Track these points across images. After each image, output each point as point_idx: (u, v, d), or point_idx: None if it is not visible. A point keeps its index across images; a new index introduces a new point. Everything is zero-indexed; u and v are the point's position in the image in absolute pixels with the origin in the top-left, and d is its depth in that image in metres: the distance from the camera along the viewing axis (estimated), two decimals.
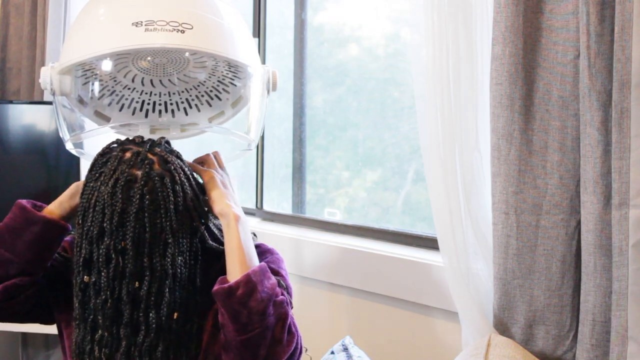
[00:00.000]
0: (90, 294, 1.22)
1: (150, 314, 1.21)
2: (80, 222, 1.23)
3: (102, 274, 1.21)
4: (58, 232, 1.28)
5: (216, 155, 1.35)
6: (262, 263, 1.24)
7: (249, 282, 1.18)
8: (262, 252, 1.37)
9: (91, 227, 1.21)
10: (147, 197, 1.20)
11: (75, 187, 1.32)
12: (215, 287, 1.20)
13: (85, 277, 1.22)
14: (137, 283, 1.20)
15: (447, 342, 1.72)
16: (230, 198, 1.27)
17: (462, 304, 1.49)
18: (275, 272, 1.33)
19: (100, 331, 1.23)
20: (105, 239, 1.21)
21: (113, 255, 1.20)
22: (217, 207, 1.25)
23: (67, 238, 1.39)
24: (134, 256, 1.20)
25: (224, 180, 1.30)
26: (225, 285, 1.18)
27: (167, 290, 1.21)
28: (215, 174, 1.29)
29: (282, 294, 1.25)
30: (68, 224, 1.30)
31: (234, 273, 1.20)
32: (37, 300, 1.32)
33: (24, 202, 1.29)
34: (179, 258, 1.22)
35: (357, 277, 1.91)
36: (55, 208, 1.30)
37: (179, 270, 1.23)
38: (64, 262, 1.35)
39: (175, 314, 1.22)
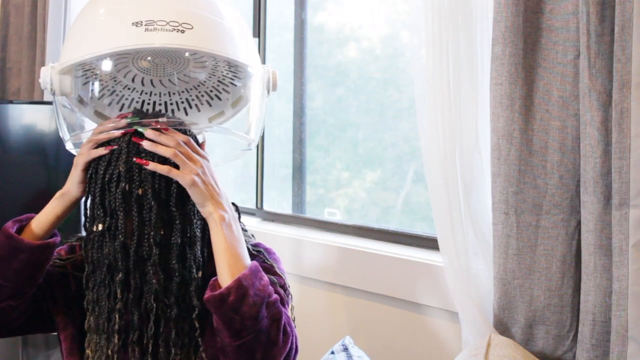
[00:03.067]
0: (105, 240, 1.23)
1: (177, 264, 1.23)
2: (93, 175, 1.24)
3: (120, 215, 1.21)
4: (47, 252, 1.27)
5: (184, 149, 1.23)
6: (253, 263, 1.22)
7: (240, 287, 1.16)
8: (259, 252, 1.37)
9: (105, 174, 1.22)
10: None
11: (61, 192, 1.31)
12: (207, 295, 1.18)
13: (99, 225, 1.23)
14: (162, 230, 1.22)
15: (447, 342, 1.72)
16: (212, 198, 1.23)
17: (462, 304, 1.49)
18: (273, 273, 1.33)
19: (121, 274, 1.24)
20: (122, 182, 1.21)
21: (130, 202, 1.21)
22: (203, 210, 1.23)
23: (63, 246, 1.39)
24: (155, 203, 1.21)
25: (205, 178, 1.23)
26: (217, 292, 1.17)
27: (189, 240, 1.23)
28: (195, 177, 1.21)
29: (276, 292, 1.24)
30: (57, 238, 1.29)
31: (224, 276, 1.19)
32: (34, 312, 1.32)
33: (9, 228, 1.26)
34: (198, 212, 1.24)
35: (357, 277, 1.91)
36: (44, 219, 1.29)
37: (199, 222, 1.25)
38: (58, 267, 1.35)
39: (200, 272, 1.24)
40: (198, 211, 1.25)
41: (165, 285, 1.24)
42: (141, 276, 1.24)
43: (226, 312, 1.16)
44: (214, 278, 1.22)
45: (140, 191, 1.22)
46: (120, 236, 1.22)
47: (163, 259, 1.24)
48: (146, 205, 1.22)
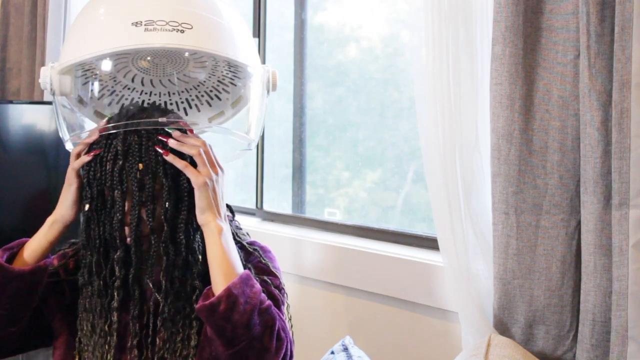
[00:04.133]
0: (100, 219, 1.24)
1: (180, 235, 1.24)
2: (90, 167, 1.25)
3: (116, 192, 1.22)
4: (39, 275, 1.27)
5: (207, 151, 1.26)
6: (245, 271, 1.22)
7: (230, 296, 1.16)
8: (255, 250, 1.37)
9: (104, 152, 1.24)
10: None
11: (53, 218, 1.31)
12: (198, 305, 1.19)
13: (86, 205, 1.24)
14: (167, 204, 1.23)
15: (447, 342, 1.72)
16: (215, 208, 1.25)
17: (462, 304, 1.49)
18: (268, 272, 1.33)
19: (119, 252, 1.25)
20: (119, 160, 1.22)
21: (126, 178, 1.22)
22: (201, 217, 1.24)
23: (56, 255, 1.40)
24: (152, 178, 1.22)
25: (216, 186, 1.25)
26: (207, 302, 1.17)
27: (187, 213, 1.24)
28: (208, 181, 1.23)
29: (270, 293, 1.25)
30: (47, 259, 1.29)
31: (219, 285, 1.20)
32: (33, 330, 1.32)
33: None
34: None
35: (357, 277, 1.91)
36: (36, 247, 1.28)
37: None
38: (51, 275, 1.34)
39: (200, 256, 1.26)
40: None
41: (174, 260, 1.25)
42: (139, 253, 1.25)
43: (217, 320, 1.16)
44: (208, 287, 1.23)
45: (140, 166, 1.23)
46: (118, 214, 1.23)
47: (171, 235, 1.25)
48: (148, 179, 1.23)
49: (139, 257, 1.25)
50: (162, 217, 1.24)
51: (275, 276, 1.33)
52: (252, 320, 1.17)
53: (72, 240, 1.41)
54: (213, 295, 1.19)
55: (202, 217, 1.24)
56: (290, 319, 1.33)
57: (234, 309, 1.16)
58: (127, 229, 1.24)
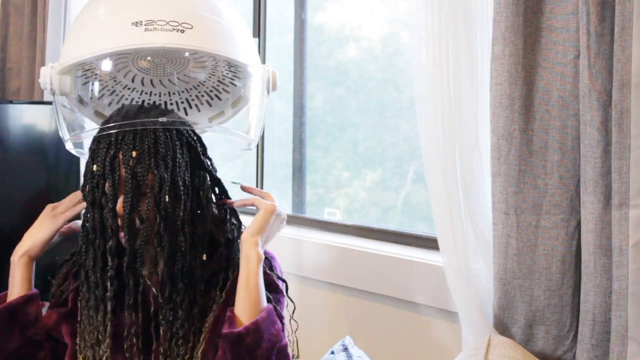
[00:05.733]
0: (95, 210, 1.25)
1: (179, 237, 1.25)
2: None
3: (108, 181, 1.23)
4: (32, 307, 1.31)
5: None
6: (269, 306, 1.25)
7: (258, 331, 1.19)
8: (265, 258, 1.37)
9: (100, 140, 1.25)
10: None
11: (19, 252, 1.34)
12: (225, 330, 1.21)
13: (86, 198, 1.26)
14: (166, 197, 1.24)
15: (447, 342, 1.72)
16: (265, 236, 1.30)
17: (462, 304, 1.49)
18: (273, 287, 1.34)
19: (111, 241, 1.26)
20: (111, 150, 1.23)
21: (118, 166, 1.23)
22: (249, 238, 1.27)
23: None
24: (144, 167, 1.23)
25: (280, 219, 1.33)
26: (235, 330, 1.19)
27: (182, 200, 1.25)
28: (279, 209, 1.32)
29: (285, 338, 1.28)
30: (32, 291, 1.32)
31: (244, 312, 1.22)
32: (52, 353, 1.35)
33: None
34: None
35: (357, 277, 1.91)
36: (17, 290, 1.33)
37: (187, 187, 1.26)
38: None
39: (204, 255, 1.28)
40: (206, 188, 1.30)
41: (171, 253, 1.25)
42: (132, 241, 1.25)
43: (241, 351, 1.19)
44: (230, 309, 1.24)
45: (134, 153, 1.23)
46: (109, 203, 1.23)
47: (169, 226, 1.25)
48: (140, 168, 1.23)
49: (132, 246, 1.25)
50: (155, 208, 1.23)
51: (279, 292, 1.35)
52: (270, 358, 1.20)
53: (73, 251, 1.41)
54: (236, 318, 1.21)
55: (250, 238, 1.26)
56: (290, 320, 1.34)
57: (259, 344, 1.19)
58: (120, 220, 1.24)
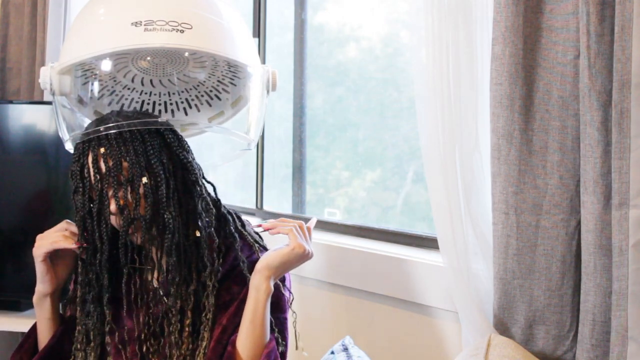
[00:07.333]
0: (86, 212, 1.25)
1: (166, 214, 1.24)
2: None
3: (91, 175, 1.24)
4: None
5: (301, 226, 1.32)
6: (273, 344, 1.26)
7: None
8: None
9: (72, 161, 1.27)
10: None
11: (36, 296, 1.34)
12: None
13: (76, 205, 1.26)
14: (144, 179, 1.23)
15: (447, 342, 1.72)
16: (281, 272, 1.29)
17: (462, 304, 1.49)
18: (279, 309, 1.34)
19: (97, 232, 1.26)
20: (80, 160, 1.25)
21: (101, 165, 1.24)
22: (265, 269, 1.26)
23: None
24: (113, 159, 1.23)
25: (304, 258, 1.30)
26: None
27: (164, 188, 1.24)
28: (307, 248, 1.29)
29: (276, 332, 1.29)
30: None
31: (244, 349, 1.24)
32: None
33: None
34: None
35: (357, 277, 1.91)
36: (43, 329, 1.35)
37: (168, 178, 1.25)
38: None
39: (198, 232, 1.27)
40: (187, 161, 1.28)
41: (166, 241, 1.25)
42: (126, 226, 1.24)
43: None
44: (232, 340, 1.25)
45: (102, 150, 1.23)
46: (86, 195, 1.25)
47: (154, 205, 1.24)
48: (110, 160, 1.23)
49: (125, 231, 1.24)
50: (136, 192, 1.23)
51: (284, 311, 1.35)
52: None
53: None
54: (237, 355, 1.23)
55: (265, 270, 1.26)
56: (294, 323, 1.35)
57: None
58: (112, 218, 1.25)
